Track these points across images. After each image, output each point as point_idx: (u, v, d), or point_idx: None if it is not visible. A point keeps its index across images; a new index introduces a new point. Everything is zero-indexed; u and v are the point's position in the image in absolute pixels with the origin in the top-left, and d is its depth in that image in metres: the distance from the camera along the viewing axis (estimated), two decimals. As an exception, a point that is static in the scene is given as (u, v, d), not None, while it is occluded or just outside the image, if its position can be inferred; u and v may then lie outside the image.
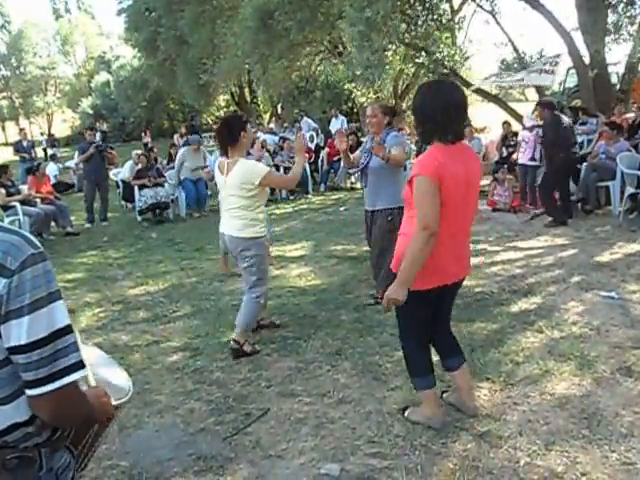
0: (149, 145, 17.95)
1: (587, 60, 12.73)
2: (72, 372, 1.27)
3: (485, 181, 11.31)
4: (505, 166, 9.96)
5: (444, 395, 3.35)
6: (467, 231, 3.00)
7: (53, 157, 16.35)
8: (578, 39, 12.55)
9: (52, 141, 22.92)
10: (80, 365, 1.29)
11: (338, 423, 3.22)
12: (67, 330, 1.27)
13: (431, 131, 2.83)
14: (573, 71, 14.27)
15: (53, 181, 12.98)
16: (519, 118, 14.21)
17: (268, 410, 3.42)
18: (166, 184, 10.64)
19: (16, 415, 1.28)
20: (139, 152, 11.83)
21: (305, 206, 11.13)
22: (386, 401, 3.40)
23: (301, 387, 3.68)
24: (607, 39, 12.18)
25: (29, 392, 1.25)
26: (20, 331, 1.21)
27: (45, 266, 1.26)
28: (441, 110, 2.75)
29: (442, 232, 2.74)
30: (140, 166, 10.79)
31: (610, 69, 13.83)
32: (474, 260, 6.28)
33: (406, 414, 3.22)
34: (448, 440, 2.96)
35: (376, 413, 3.28)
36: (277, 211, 10.72)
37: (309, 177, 12.39)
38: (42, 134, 28.04)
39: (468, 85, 15.28)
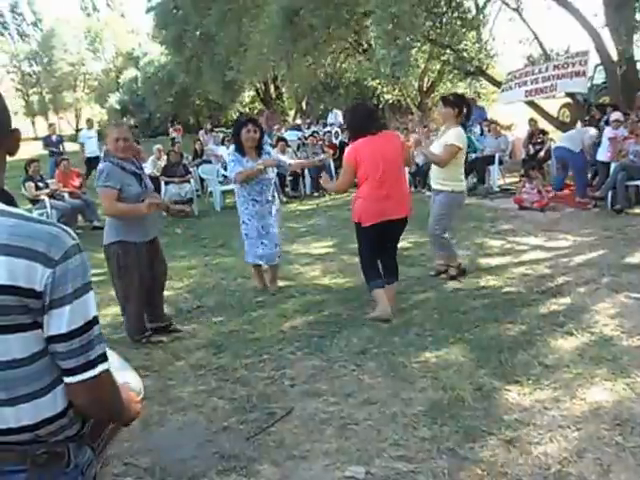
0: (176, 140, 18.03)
1: (615, 57, 12.49)
2: (104, 361, 1.31)
3: (513, 178, 11.21)
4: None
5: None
6: (394, 184, 4.54)
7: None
8: (605, 36, 12.34)
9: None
10: (106, 356, 1.33)
11: (363, 424, 3.16)
12: (96, 320, 1.30)
13: (360, 131, 4.58)
14: (601, 68, 13.99)
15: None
16: (545, 115, 14.00)
17: (292, 409, 3.37)
18: (192, 180, 10.67)
19: (51, 407, 1.29)
20: (160, 147, 11.90)
21: (330, 202, 11.06)
22: (412, 403, 3.33)
23: (325, 387, 3.62)
24: (635, 36, 11.96)
25: (68, 380, 1.27)
26: (61, 320, 1.23)
27: (82, 257, 1.28)
28: (364, 118, 4.64)
29: (369, 187, 4.51)
30: (164, 162, 10.85)
31: (639, 66, 13.55)
32: (500, 259, 6.21)
33: (367, 317, 4.61)
34: (476, 445, 2.89)
35: (402, 415, 3.21)
36: (301, 207, 10.68)
37: (334, 173, 12.30)
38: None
39: (495, 83, 15.11)
